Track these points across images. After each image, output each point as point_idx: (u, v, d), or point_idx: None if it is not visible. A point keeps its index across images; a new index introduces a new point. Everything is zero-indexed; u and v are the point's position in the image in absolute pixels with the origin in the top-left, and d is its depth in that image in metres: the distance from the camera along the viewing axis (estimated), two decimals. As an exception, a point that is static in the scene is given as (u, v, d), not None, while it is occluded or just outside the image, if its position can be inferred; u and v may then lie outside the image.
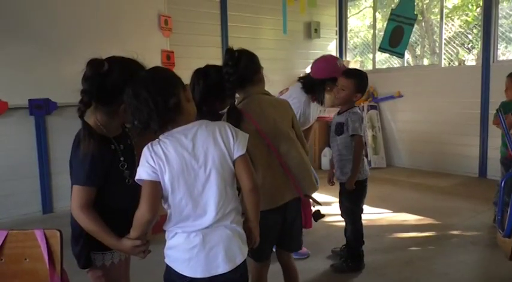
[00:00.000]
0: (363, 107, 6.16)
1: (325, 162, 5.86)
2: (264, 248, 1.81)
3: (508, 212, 2.14)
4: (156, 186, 1.31)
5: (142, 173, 1.31)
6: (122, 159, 1.48)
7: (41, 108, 4.04)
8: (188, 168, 1.31)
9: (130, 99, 1.32)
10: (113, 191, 1.46)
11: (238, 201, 1.41)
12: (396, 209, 4.01)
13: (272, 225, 1.86)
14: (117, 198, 1.47)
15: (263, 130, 1.83)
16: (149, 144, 1.34)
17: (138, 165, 1.35)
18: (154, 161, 1.30)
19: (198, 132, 1.35)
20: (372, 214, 3.85)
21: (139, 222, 1.33)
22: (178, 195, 1.31)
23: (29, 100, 3.97)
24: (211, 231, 1.33)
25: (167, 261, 1.37)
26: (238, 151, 1.36)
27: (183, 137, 1.34)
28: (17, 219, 3.95)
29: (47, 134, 4.14)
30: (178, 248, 1.33)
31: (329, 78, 2.83)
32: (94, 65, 1.36)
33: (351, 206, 2.72)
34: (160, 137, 1.35)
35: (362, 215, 2.77)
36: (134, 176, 1.36)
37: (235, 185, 1.40)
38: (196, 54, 5.02)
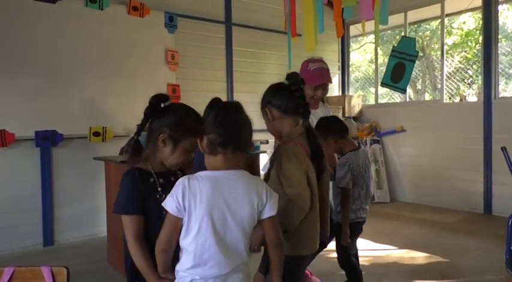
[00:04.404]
0: (365, 141, 6.19)
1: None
2: None
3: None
4: (177, 222, 1.34)
5: (169, 204, 1.33)
6: (159, 189, 1.55)
7: (47, 140, 4.07)
8: (219, 211, 1.32)
9: (218, 122, 1.38)
10: (151, 221, 1.52)
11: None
12: (402, 246, 3.95)
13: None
14: (156, 228, 1.49)
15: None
16: (186, 178, 1.35)
17: None
18: (183, 197, 1.31)
19: (240, 180, 1.37)
20: (377, 250, 3.80)
21: (156, 251, 1.38)
22: (203, 236, 1.31)
23: (36, 132, 4.01)
24: (228, 278, 1.34)
25: None
26: (269, 212, 1.39)
27: (228, 181, 1.35)
28: (17, 252, 3.90)
29: (52, 165, 4.15)
30: None
31: None
32: (158, 97, 1.56)
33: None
34: (200, 173, 1.36)
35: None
36: None
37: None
38: (202, 87, 5.10)
